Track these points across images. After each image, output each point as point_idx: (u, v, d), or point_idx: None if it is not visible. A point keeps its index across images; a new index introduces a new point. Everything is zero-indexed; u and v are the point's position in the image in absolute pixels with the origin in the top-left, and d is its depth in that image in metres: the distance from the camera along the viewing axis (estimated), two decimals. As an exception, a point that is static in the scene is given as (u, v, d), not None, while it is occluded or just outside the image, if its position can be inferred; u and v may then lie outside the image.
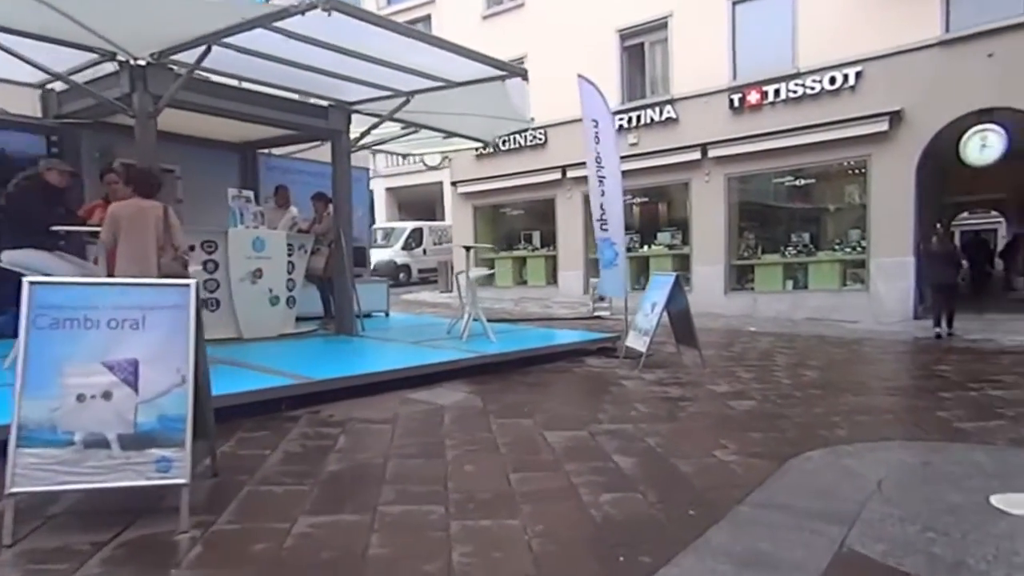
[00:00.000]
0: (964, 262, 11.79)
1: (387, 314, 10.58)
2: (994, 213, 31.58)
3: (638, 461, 3.86)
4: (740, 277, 14.14)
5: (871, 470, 3.63)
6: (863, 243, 12.59)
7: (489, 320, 10.33)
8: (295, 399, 5.02)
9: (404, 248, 21.89)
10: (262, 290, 7.61)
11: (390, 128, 8.84)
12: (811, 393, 5.88)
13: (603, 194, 7.79)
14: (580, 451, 4.05)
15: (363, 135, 8.09)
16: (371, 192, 25.33)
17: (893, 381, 6.66)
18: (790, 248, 13.53)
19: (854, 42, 12.10)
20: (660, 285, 7.17)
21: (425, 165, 18.96)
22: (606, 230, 7.88)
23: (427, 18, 22.68)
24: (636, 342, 7.25)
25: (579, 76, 7.92)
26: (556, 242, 16.13)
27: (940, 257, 11.20)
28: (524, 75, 6.52)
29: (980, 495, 3.24)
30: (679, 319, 7.37)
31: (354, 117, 8.16)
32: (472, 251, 10.62)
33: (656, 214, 15.60)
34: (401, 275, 21.39)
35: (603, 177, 7.76)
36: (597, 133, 7.72)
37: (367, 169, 11.27)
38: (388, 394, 5.50)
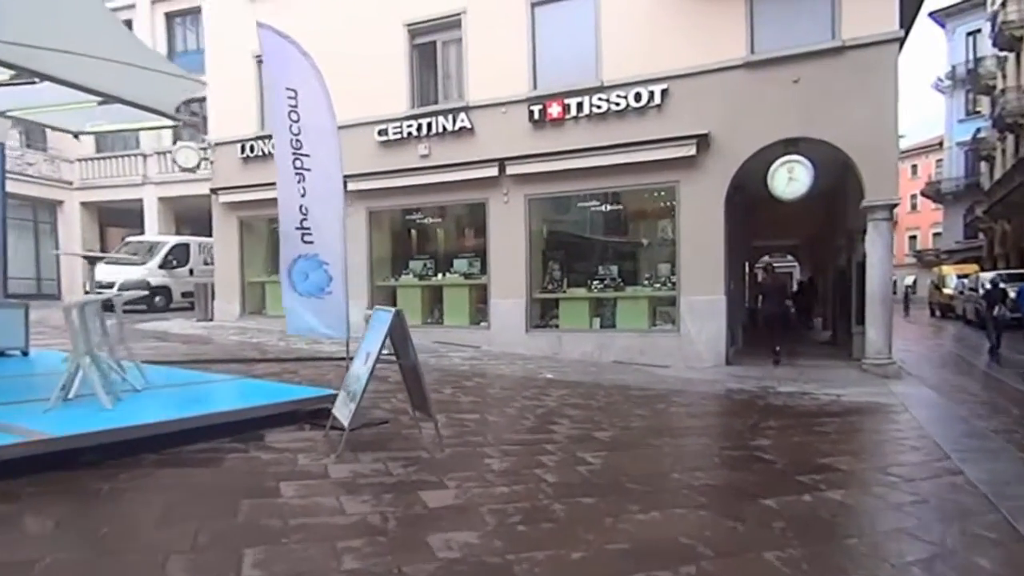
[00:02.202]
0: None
1: (25, 352, 7.22)
2: (790, 257, 33.68)
3: None
4: (544, 312, 12.38)
5: None
6: (673, 279, 11.27)
7: (201, 361, 7.46)
8: None
9: (163, 267, 18.40)
10: None
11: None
12: (580, 506, 3.72)
13: (304, 192, 5.31)
14: None
15: None
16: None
17: (701, 472, 4.74)
18: (597, 282, 11.94)
19: (660, 57, 10.96)
20: (377, 326, 4.77)
21: (179, 167, 15.50)
22: (311, 242, 5.39)
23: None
24: (342, 410, 4.76)
25: (260, 25, 5.45)
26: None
27: (772, 290, 12.07)
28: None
29: None
30: (409, 374, 5.01)
31: None
32: (96, 262, 7.93)
33: (452, 237, 13.53)
34: (158, 298, 17.84)
35: (306, 169, 5.30)
36: (295, 107, 5.25)
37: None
38: None
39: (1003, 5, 28.47)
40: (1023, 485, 4.56)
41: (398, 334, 4.74)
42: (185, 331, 13.40)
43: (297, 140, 5.26)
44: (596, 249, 12.45)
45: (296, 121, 5.25)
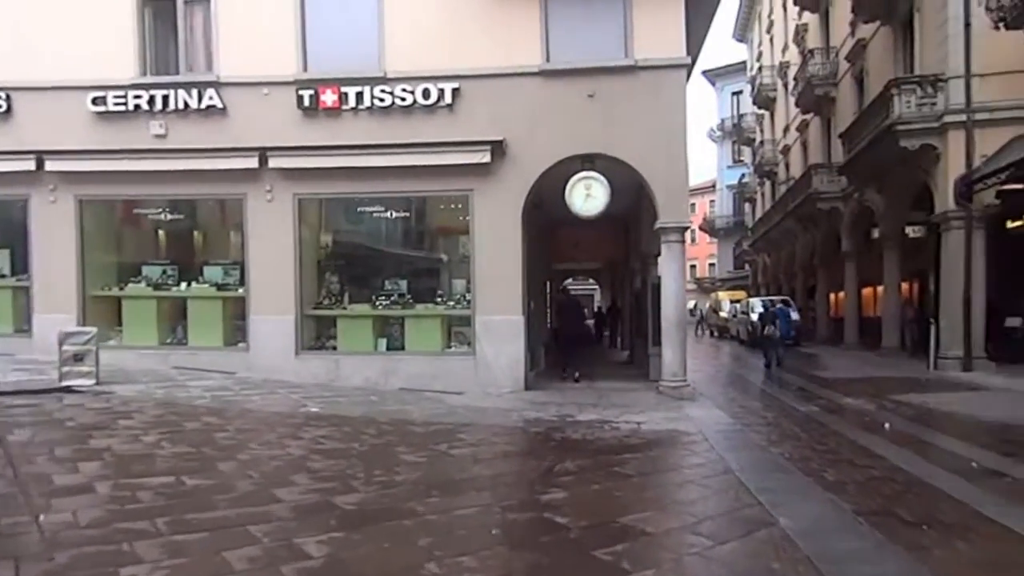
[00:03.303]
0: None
1: None
2: (592, 281, 34.77)
3: None
4: (320, 332, 10.52)
5: None
6: (469, 297, 10.06)
7: None
8: None
9: None
10: None
11: None
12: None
13: None
14: None
15: None
16: None
17: (470, 558, 3.36)
18: (383, 298, 10.37)
19: (451, 53, 9.81)
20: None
21: None
22: None
23: None
24: None
25: None
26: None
27: (568, 308, 12.19)
28: None
29: None
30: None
31: None
32: None
33: (202, 239, 11.13)
34: None
35: None
36: None
37: None
38: None
39: (760, 71, 32.18)
40: (839, 537, 3.91)
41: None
42: None
43: None
44: (384, 262, 10.88)
45: None
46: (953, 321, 12.81)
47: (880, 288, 18.06)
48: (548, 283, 19.60)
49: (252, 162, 9.71)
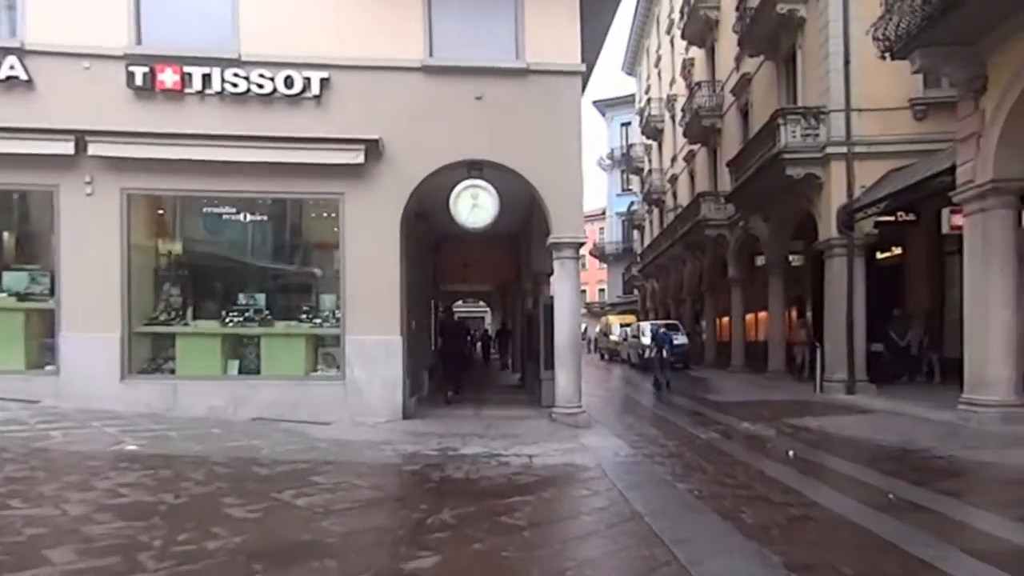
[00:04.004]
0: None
1: None
2: (482, 303, 34.00)
3: None
4: (156, 353, 8.88)
5: None
6: (338, 313, 8.79)
7: None
8: None
9: None
10: None
11: None
12: None
13: None
14: None
15: None
16: None
17: None
18: (235, 314, 8.88)
19: (320, 38, 8.73)
20: None
21: None
22: None
23: None
24: None
25: None
26: None
27: (452, 329, 12.40)
28: None
29: None
30: None
31: None
32: None
33: (10, 241, 9.11)
34: None
35: None
36: None
37: None
38: None
39: (648, 102, 33.11)
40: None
41: None
42: None
43: None
44: (240, 273, 9.37)
45: None
46: (837, 345, 12.93)
47: (764, 313, 18.33)
48: (434, 303, 18.52)
49: (66, 147, 7.99)
